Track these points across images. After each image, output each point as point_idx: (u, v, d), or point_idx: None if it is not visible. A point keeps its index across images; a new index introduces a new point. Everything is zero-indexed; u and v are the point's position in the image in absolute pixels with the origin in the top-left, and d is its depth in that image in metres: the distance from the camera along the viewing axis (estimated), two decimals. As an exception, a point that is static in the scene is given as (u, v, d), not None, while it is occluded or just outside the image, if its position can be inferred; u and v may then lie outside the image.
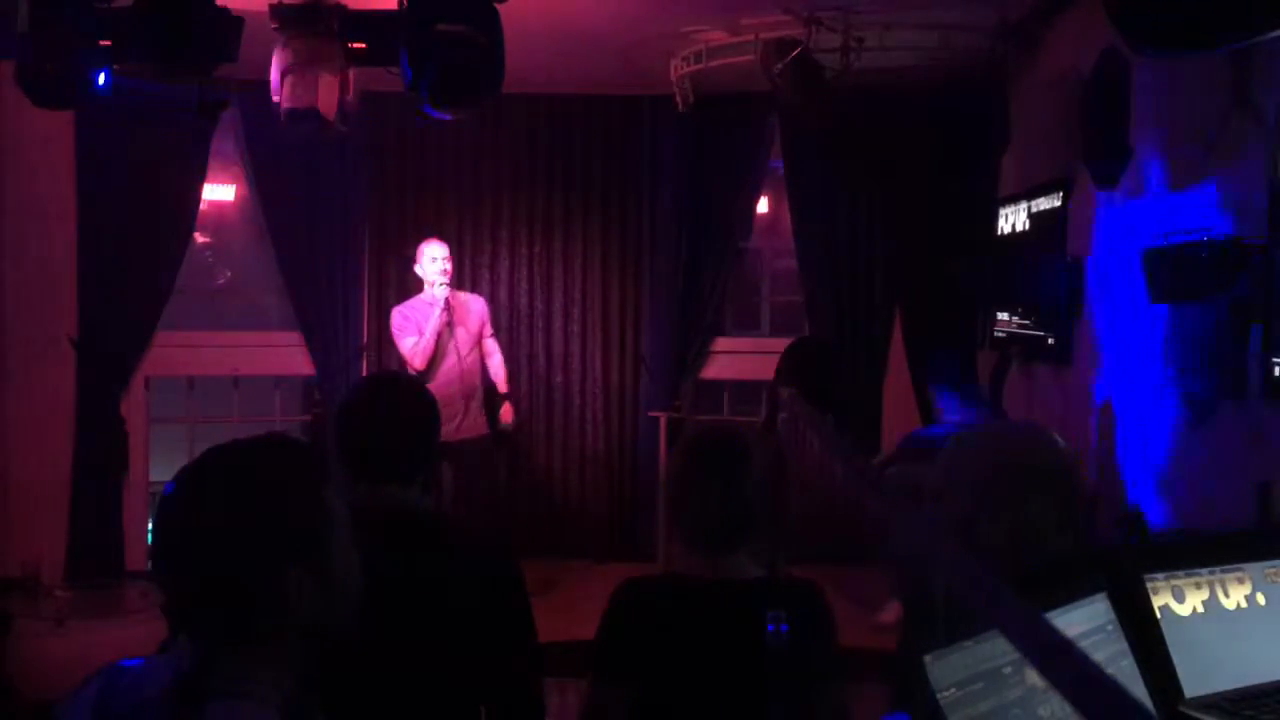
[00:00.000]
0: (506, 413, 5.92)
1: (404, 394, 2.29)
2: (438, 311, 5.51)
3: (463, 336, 5.69)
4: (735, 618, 2.05)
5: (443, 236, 6.28)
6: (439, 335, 5.52)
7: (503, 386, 5.94)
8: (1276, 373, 2.57)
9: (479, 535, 2.42)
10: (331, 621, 1.39)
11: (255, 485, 1.34)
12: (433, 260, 5.62)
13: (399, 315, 5.69)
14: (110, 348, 5.85)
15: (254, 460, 1.37)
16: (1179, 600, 1.49)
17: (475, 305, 5.93)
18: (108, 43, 3.70)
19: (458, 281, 6.04)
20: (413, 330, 5.58)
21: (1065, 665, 0.69)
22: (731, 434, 2.27)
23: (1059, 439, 1.83)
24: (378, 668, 1.98)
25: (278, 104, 4.12)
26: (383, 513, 2.09)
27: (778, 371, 4.56)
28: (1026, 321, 4.51)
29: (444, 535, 2.24)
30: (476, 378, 5.79)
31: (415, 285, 6.29)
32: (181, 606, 1.34)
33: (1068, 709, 0.86)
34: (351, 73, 4.17)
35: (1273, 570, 1.56)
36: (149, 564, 5.82)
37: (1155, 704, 1.40)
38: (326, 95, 4.03)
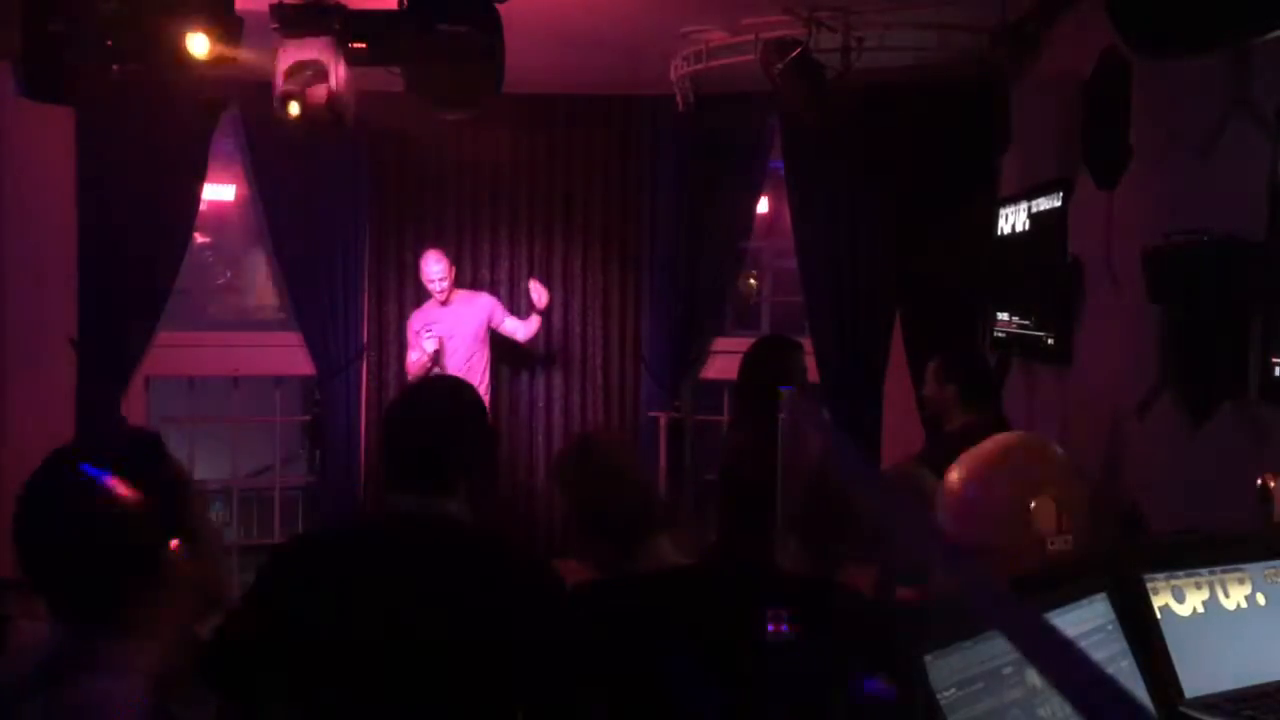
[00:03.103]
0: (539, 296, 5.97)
1: (441, 397, 2.26)
2: (430, 343, 5.74)
3: (455, 349, 5.80)
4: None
5: (442, 236, 6.29)
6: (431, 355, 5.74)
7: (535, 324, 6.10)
8: (1276, 373, 2.57)
9: (520, 546, 2.43)
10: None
11: (110, 473, 1.36)
12: (430, 281, 5.84)
13: (410, 323, 5.97)
14: (110, 348, 5.84)
15: (105, 450, 1.39)
16: (1179, 600, 1.49)
17: (474, 307, 5.96)
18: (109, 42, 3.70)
19: (458, 280, 6.08)
20: (414, 344, 5.86)
21: (1065, 665, 0.69)
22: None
23: (1056, 446, 1.84)
24: (411, 671, 1.97)
25: (278, 104, 4.12)
26: (421, 520, 2.08)
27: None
28: (1026, 321, 4.51)
29: (482, 545, 2.19)
30: (476, 381, 5.82)
31: (415, 286, 6.30)
32: (48, 588, 1.36)
33: (1068, 709, 0.86)
34: (351, 72, 4.17)
35: (1273, 570, 1.56)
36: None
37: (1155, 704, 1.40)
38: (326, 96, 4.03)
